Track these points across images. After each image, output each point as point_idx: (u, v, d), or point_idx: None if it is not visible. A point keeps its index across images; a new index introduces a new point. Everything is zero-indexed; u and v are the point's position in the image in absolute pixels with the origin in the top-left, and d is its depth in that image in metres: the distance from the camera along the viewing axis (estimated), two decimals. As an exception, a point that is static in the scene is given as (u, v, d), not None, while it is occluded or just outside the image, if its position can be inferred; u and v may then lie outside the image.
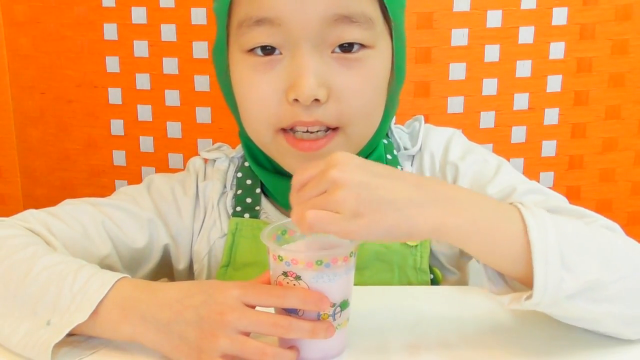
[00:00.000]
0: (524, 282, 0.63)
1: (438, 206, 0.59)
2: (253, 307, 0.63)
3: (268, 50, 0.74)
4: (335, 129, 0.76)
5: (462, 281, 0.89)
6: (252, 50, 0.74)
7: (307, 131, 0.75)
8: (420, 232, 0.59)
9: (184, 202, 0.87)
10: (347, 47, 0.73)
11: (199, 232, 0.87)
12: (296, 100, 0.72)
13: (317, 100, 0.72)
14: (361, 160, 0.62)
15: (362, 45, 0.74)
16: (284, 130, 0.76)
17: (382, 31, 0.76)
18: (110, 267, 0.78)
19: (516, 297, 0.62)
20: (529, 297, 0.60)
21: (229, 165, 0.89)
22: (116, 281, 0.67)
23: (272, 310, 0.65)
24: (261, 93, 0.74)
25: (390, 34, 0.77)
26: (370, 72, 0.75)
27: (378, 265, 0.81)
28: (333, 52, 0.73)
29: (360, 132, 0.78)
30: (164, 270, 0.88)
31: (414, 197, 0.59)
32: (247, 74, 0.75)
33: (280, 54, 0.73)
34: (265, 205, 0.86)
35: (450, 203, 0.60)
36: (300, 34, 0.71)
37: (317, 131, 0.75)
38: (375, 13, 0.74)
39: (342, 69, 0.73)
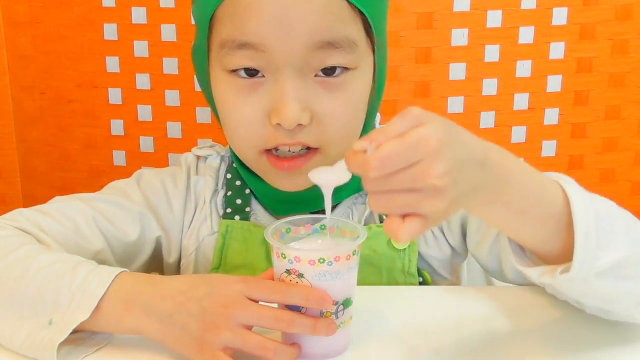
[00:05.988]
0: (547, 258, 0.63)
1: (493, 189, 0.58)
2: (256, 301, 0.63)
3: (251, 72, 0.74)
4: (315, 148, 0.76)
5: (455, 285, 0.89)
6: (234, 70, 0.74)
7: (289, 150, 0.75)
8: (472, 213, 0.62)
9: (175, 195, 0.87)
10: (329, 71, 0.73)
11: (189, 226, 0.87)
12: (279, 124, 0.72)
13: (299, 124, 0.73)
14: (451, 143, 0.54)
15: (345, 68, 0.74)
16: (267, 150, 0.76)
17: (364, 50, 0.76)
18: (103, 262, 0.77)
19: (548, 270, 0.62)
20: (564, 271, 0.60)
21: (221, 162, 0.89)
22: (115, 276, 0.67)
23: (275, 306, 0.64)
24: (245, 115, 0.75)
25: (372, 48, 0.77)
26: (352, 95, 0.75)
27: (366, 269, 0.81)
28: (316, 75, 0.73)
29: (339, 150, 0.78)
30: (156, 263, 0.88)
31: (476, 181, 0.57)
32: (230, 95, 0.75)
33: (263, 76, 0.73)
34: (255, 206, 0.87)
35: (505, 184, 0.59)
36: (284, 60, 0.71)
37: (300, 149, 0.75)
38: (359, 34, 0.74)
39: (324, 92, 0.74)
